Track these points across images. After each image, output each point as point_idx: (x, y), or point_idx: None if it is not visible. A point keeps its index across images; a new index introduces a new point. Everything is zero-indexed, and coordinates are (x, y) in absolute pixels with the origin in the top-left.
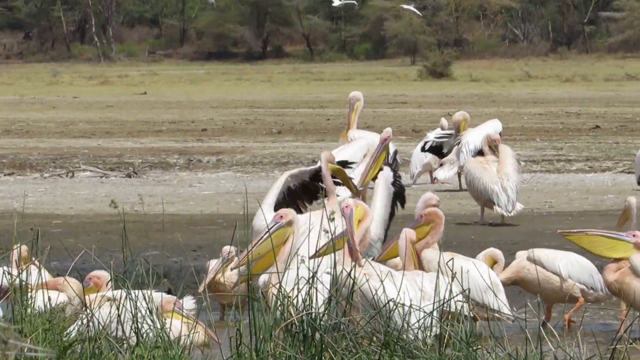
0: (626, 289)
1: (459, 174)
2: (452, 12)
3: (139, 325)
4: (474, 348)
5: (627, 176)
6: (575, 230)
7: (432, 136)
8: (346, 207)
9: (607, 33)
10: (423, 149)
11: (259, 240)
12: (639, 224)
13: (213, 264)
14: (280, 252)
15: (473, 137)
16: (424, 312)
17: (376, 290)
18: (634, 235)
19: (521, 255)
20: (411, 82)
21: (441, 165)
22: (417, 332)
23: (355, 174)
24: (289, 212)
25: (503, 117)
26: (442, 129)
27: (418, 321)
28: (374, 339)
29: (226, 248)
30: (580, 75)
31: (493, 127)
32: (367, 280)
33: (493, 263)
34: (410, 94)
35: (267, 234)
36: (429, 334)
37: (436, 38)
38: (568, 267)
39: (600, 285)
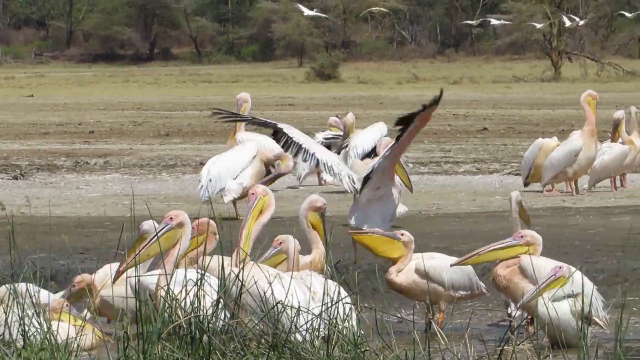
0: (513, 288)
1: None
2: (340, 14)
3: (26, 328)
4: (362, 349)
5: (515, 178)
6: (472, 254)
7: (320, 137)
8: (252, 194)
9: (494, 35)
10: None
11: (147, 243)
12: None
13: (103, 271)
14: (169, 253)
15: (361, 141)
16: (312, 314)
17: (264, 292)
18: (521, 237)
19: (393, 271)
20: (299, 84)
21: None
22: (305, 334)
23: (245, 176)
24: (179, 214)
25: (391, 120)
26: (334, 125)
27: (306, 323)
28: (262, 341)
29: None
30: (468, 77)
31: (380, 130)
32: (255, 282)
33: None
34: (297, 96)
35: (156, 236)
36: (317, 335)
37: (324, 40)
38: (452, 277)
39: (476, 286)
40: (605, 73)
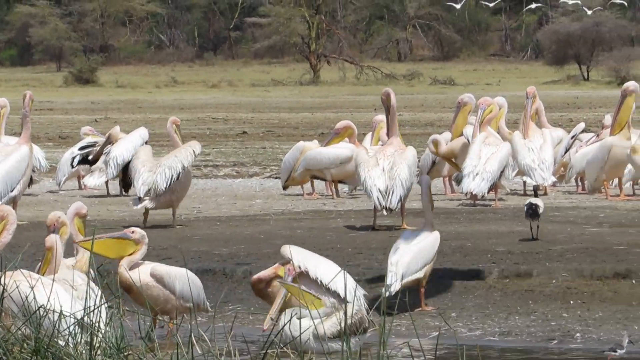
0: (275, 292)
1: (107, 182)
2: (98, 18)
3: None
4: (125, 354)
5: (275, 181)
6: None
7: (76, 150)
8: None
9: (252, 39)
10: (72, 165)
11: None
12: None
13: None
14: None
15: (121, 151)
16: (75, 318)
17: (26, 297)
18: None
19: (124, 264)
20: (57, 89)
21: (92, 172)
22: (68, 338)
23: (18, 187)
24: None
25: (150, 124)
26: (88, 133)
27: (68, 327)
28: (25, 345)
29: None
30: (226, 81)
31: (140, 136)
32: (17, 287)
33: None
34: (56, 101)
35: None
36: (80, 339)
37: (82, 44)
38: (184, 287)
39: (202, 302)
40: (364, 76)
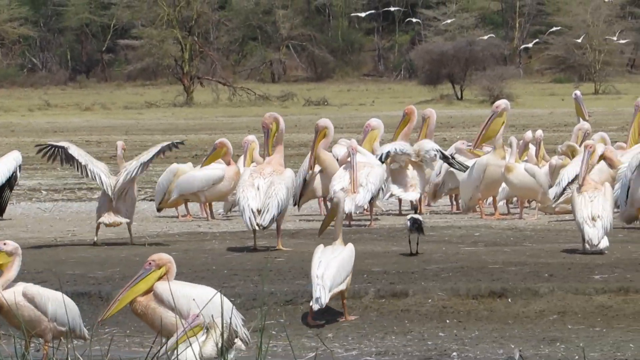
0: (150, 315)
1: None
2: None
3: None
4: None
5: (149, 203)
6: (113, 302)
7: None
8: None
9: (125, 61)
10: None
11: None
12: None
13: None
14: None
15: (2, 175)
16: None
17: None
18: (150, 263)
19: None
20: None
21: None
22: None
23: None
24: None
25: (24, 148)
26: None
27: None
28: None
29: None
30: (100, 103)
31: (15, 159)
32: None
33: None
34: None
35: None
36: None
37: None
38: (56, 309)
39: (79, 328)
40: (238, 97)
